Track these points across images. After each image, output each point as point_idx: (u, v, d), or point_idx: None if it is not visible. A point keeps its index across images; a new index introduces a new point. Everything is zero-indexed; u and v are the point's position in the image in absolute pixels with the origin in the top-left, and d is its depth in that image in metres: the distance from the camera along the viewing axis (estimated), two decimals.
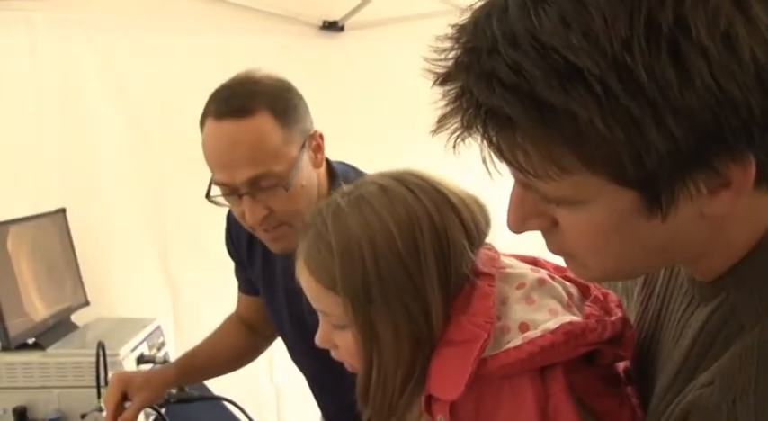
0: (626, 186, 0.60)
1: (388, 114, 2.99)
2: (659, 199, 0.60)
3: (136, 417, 1.58)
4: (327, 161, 1.43)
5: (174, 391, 1.88)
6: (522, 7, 0.57)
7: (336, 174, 1.42)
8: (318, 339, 0.98)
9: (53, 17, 2.53)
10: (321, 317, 0.97)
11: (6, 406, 1.97)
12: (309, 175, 1.34)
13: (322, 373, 1.57)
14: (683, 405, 0.70)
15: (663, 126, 0.55)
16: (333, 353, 0.99)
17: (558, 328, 0.83)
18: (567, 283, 0.94)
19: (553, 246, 0.74)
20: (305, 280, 0.94)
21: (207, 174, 2.81)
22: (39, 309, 2.15)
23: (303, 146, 1.33)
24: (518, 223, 0.72)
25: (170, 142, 2.76)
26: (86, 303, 2.45)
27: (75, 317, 2.38)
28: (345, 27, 3.06)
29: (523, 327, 0.86)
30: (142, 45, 2.70)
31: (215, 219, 2.84)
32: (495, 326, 0.85)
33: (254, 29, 2.86)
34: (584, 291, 0.95)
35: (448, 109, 0.63)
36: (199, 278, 2.80)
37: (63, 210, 2.45)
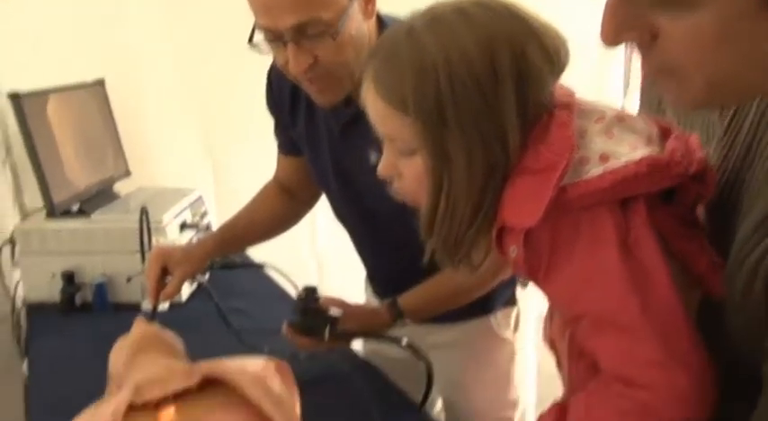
0: None
1: None
2: None
3: (178, 290, 1.61)
4: (377, 13, 1.36)
5: (216, 259, 1.91)
6: None
7: (387, 26, 1.34)
8: (382, 168, 0.96)
9: None
10: (386, 144, 0.94)
11: (55, 270, 2.02)
12: (359, 25, 1.27)
13: (367, 229, 1.56)
14: None
15: None
16: (395, 186, 0.96)
17: (642, 159, 0.81)
18: (646, 124, 0.90)
19: (652, 62, 0.69)
20: (371, 102, 0.91)
21: (245, 48, 2.75)
22: (81, 177, 2.17)
23: None
24: (612, 34, 0.66)
25: (209, 10, 2.69)
26: (128, 173, 2.48)
27: (117, 188, 2.40)
28: None
29: (604, 158, 0.83)
30: None
31: (255, 89, 2.82)
32: (574, 156, 0.82)
33: None
34: (665, 132, 0.90)
35: None
36: (238, 148, 2.80)
37: (101, 82, 2.43)
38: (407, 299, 1.45)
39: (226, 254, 1.80)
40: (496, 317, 1.61)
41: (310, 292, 1.44)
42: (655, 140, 0.87)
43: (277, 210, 1.74)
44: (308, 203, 1.78)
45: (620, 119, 0.88)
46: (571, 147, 0.83)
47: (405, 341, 1.41)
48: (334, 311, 1.42)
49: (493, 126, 0.85)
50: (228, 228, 1.72)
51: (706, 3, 0.60)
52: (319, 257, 3.06)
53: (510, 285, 1.57)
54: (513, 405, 1.65)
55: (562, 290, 0.88)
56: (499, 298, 1.59)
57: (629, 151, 0.83)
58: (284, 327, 1.45)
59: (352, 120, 1.37)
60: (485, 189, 0.87)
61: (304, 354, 1.54)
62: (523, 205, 0.84)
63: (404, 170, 0.93)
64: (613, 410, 0.84)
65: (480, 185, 0.87)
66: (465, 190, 0.87)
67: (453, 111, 0.84)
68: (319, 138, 1.50)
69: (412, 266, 1.36)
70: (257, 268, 2.11)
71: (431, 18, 0.87)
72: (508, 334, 1.62)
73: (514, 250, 0.87)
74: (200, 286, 2.06)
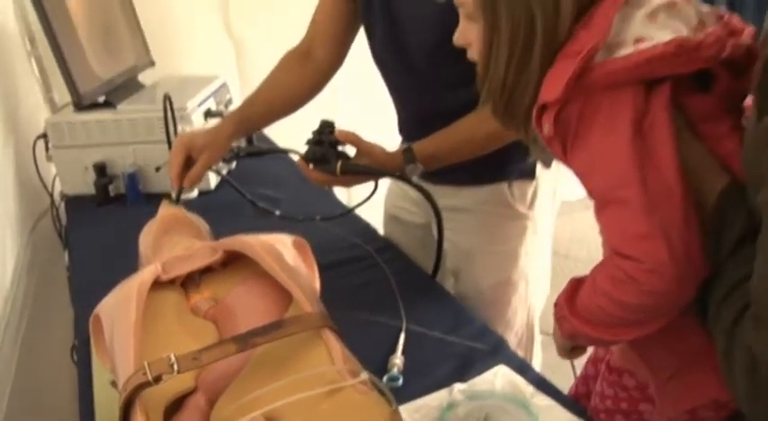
0: None
1: None
2: None
3: (201, 177, 1.62)
4: None
5: (242, 145, 1.91)
6: None
7: None
8: (456, 36, 1.04)
9: None
10: (461, 13, 1.02)
11: (87, 162, 2.07)
12: None
13: (404, 69, 1.56)
14: None
15: None
16: (468, 53, 1.03)
17: (671, 41, 0.82)
18: (705, 11, 0.89)
19: None
20: None
21: None
22: (105, 68, 2.16)
23: None
24: None
25: None
26: (151, 63, 2.47)
27: (142, 77, 2.40)
28: None
29: (639, 41, 0.84)
30: None
31: None
32: (608, 38, 0.85)
33: None
34: (719, 19, 0.90)
35: None
36: (261, 35, 2.77)
37: None
38: (422, 144, 1.49)
39: (249, 133, 1.80)
40: (512, 188, 1.60)
41: (326, 126, 1.46)
42: (703, 27, 0.87)
43: (296, 80, 1.71)
44: (328, 70, 1.73)
45: (672, 5, 0.88)
46: (605, 30, 0.85)
47: (414, 178, 1.46)
48: (348, 148, 1.45)
49: (540, 1, 0.88)
50: (247, 106, 1.71)
51: None
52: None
53: (528, 157, 1.54)
54: (515, 283, 1.67)
55: (582, 165, 0.93)
56: (516, 167, 1.59)
57: (666, 35, 0.84)
58: (298, 159, 1.49)
59: None
60: (525, 63, 0.91)
61: (319, 215, 1.60)
62: (554, 82, 0.87)
63: (470, 36, 1.00)
64: (608, 279, 0.91)
65: (521, 58, 0.91)
66: (505, 60, 0.92)
67: None
68: None
69: (442, 110, 1.47)
70: (284, 154, 2.13)
71: None
72: (522, 208, 1.62)
73: (547, 127, 0.90)
74: (229, 173, 2.09)
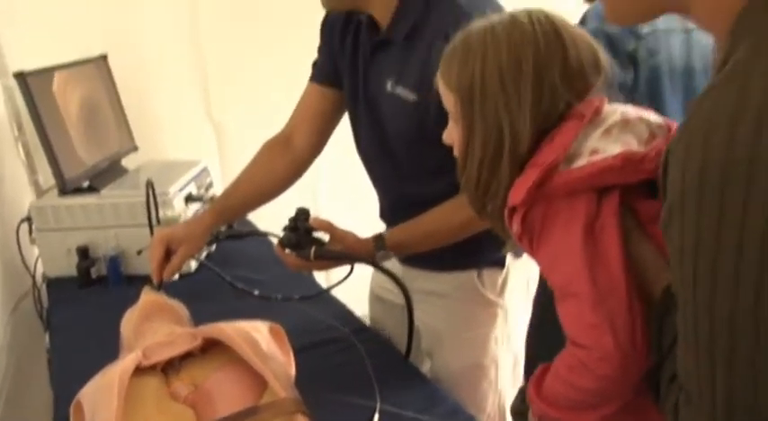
0: None
1: None
2: None
3: (180, 267, 1.69)
4: None
5: (222, 228, 1.97)
6: None
7: None
8: (444, 135, 1.14)
9: None
10: (450, 117, 1.12)
11: (70, 245, 2.11)
12: None
13: (383, 157, 1.66)
14: None
15: None
16: (454, 150, 1.13)
17: (618, 154, 0.94)
18: (656, 125, 1.02)
19: None
20: (438, 79, 1.11)
21: (245, 18, 2.79)
22: (90, 153, 2.23)
23: None
24: None
25: None
26: (134, 148, 2.54)
27: (125, 162, 2.47)
28: None
29: (593, 153, 0.97)
30: None
31: (256, 62, 2.88)
32: (568, 153, 0.97)
33: None
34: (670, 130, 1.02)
35: None
36: (241, 119, 2.86)
37: (104, 57, 2.48)
38: (393, 231, 1.60)
39: (229, 222, 1.87)
40: (482, 276, 1.67)
41: (301, 213, 1.55)
42: (653, 139, 1.00)
43: (275, 169, 1.79)
44: (307, 158, 1.82)
45: (626, 122, 1.01)
46: (565, 147, 0.97)
47: (393, 261, 1.56)
48: (322, 234, 1.54)
49: (508, 114, 1.01)
50: (227, 196, 1.79)
51: None
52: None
53: (499, 248, 1.61)
54: (486, 368, 1.72)
55: (545, 261, 1.03)
56: (486, 256, 1.65)
57: (617, 148, 0.96)
58: (276, 245, 1.57)
59: (377, 46, 1.56)
60: (496, 167, 1.03)
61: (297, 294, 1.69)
62: (519, 188, 0.99)
63: (454, 136, 1.11)
64: (566, 367, 1.00)
65: (492, 161, 1.03)
66: (478, 160, 1.05)
67: (480, 92, 1.02)
68: (357, 57, 1.63)
69: (420, 198, 1.57)
70: (262, 237, 2.19)
71: (485, 25, 1.05)
72: (493, 295, 1.68)
73: (516, 226, 1.02)
74: (208, 256, 2.14)
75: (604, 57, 1.05)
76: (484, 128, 1.03)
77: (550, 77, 1.00)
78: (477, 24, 1.07)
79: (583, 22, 2.10)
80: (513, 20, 1.04)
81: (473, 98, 1.03)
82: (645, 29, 2.24)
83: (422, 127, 1.51)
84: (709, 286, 0.68)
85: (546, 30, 1.02)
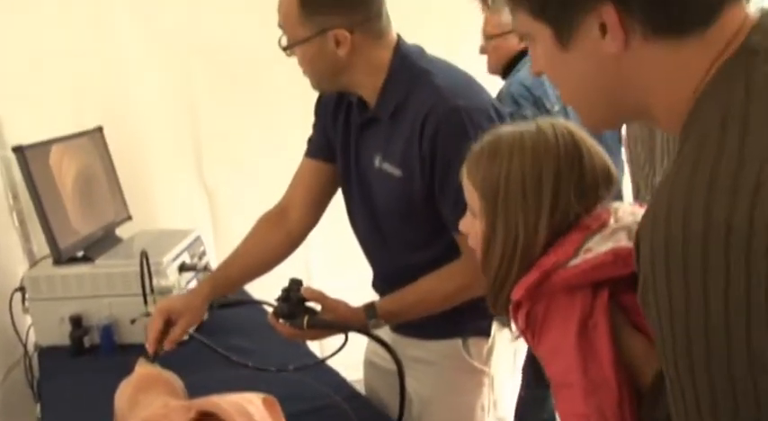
0: (542, 21, 0.86)
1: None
2: (562, 31, 0.84)
3: (181, 337, 1.73)
4: (398, 41, 1.61)
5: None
6: None
7: (400, 53, 1.60)
8: (462, 225, 1.24)
9: None
10: (468, 210, 1.22)
11: (63, 314, 2.12)
12: (320, 55, 1.55)
13: (373, 228, 1.73)
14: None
15: None
16: (469, 239, 1.23)
17: (608, 251, 1.05)
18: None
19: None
20: (463, 179, 1.21)
21: (237, 86, 2.88)
22: (84, 223, 2.27)
23: (318, 34, 1.52)
24: (531, 66, 0.97)
25: (202, 59, 2.82)
26: (129, 217, 2.57)
27: (120, 231, 2.50)
28: None
29: (587, 251, 1.07)
30: None
31: (248, 132, 2.95)
32: (569, 257, 1.07)
33: None
34: None
35: None
36: (234, 189, 2.91)
37: (100, 129, 2.54)
38: (384, 301, 1.66)
39: (226, 294, 1.91)
40: (467, 344, 1.72)
41: (294, 283, 1.59)
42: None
43: (271, 242, 1.85)
44: (302, 231, 1.88)
45: (622, 228, 1.10)
46: (568, 254, 1.07)
47: (384, 329, 1.61)
48: (315, 304, 1.59)
49: (527, 218, 1.10)
50: (223, 270, 1.85)
51: (534, 34, 0.89)
52: None
53: (484, 317, 1.67)
54: None
55: (544, 353, 1.11)
56: (471, 325, 1.71)
57: (608, 245, 1.06)
58: (269, 315, 1.61)
59: (365, 123, 1.65)
60: (510, 265, 1.12)
61: (292, 365, 1.77)
62: (522, 285, 1.09)
63: (471, 229, 1.20)
64: None
65: (509, 260, 1.12)
66: (498, 258, 1.13)
67: (504, 195, 1.12)
68: (349, 134, 1.71)
69: (408, 268, 1.64)
70: (256, 305, 2.21)
71: (513, 131, 1.16)
72: (479, 363, 1.73)
73: (521, 321, 1.11)
74: (201, 325, 2.15)
75: (615, 170, 1.16)
76: (505, 229, 1.12)
77: (566, 192, 1.10)
78: (507, 129, 1.17)
79: (499, 100, 2.19)
80: (539, 130, 1.13)
81: (496, 200, 1.12)
82: (556, 107, 2.46)
83: (408, 201, 1.59)
84: (686, 349, 0.74)
85: (567, 143, 1.12)
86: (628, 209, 1.16)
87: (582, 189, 1.11)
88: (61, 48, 2.60)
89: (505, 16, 2.63)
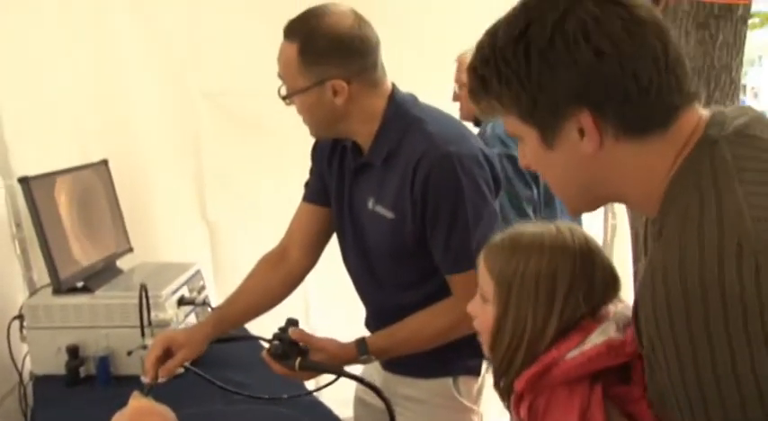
0: (529, 124, 0.98)
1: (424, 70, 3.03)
2: (547, 134, 0.97)
3: (176, 368, 1.76)
4: (393, 90, 1.68)
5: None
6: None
7: (394, 101, 1.66)
8: (470, 307, 1.29)
9: None
10: (478, 292, 1.27)
11: (60, 344, 2.13)
12: (318, 104, 1.61)
13: (366, 268, 1.78)
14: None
15: (532, 98, 0.95)
16: (474, 322, 1.28)
17: (603, 342, 1.11)
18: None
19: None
20: (480, 267, 1.25)
21: (240, 124, 2.92)
22: (86, 255, 2.29)
23: (317, 84, 1.58)
24: (520, 161, 1.08)
25: (206, 93, 2.88)
26: (130, 249, 2.60)
27: (120, 263, 2.52)
28: None
29: (583, 345, 1.13)
30: None
31: (249, 168, 2.98)
32: (564, 355, 1.13)
33: None
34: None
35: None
36: (236, 224, 2.95)
37: (105, 162, 2.57)
38: (374, 337, 1.70)
39: (226, 332, 1.94)
40: (457, 383, 1.75)
41: (289, 324, 1.63)
42: (627, 327, 1.15)
43: (271, 283, 1.91)
44: (302, 271, 1.93)
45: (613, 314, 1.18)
46: (568, 349, 1.13)
47: (377, 365, 1.66)
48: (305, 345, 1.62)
49: (534, 319, 1.16)
50: (225, 308, 1.89)
51: (523, 135, 1.00)
52: (313, 331, 3.13)
53: (474, 355, 1.68)
54: None
55: None
56: (461, 364, 1.74)
57: (602, 338, 1.13)
58: (263, 353, 1.65)
59: (359, 168, 1.71)
60: (516, 353, 1.17)
61: (286, 394, 1.81)
62: (523, 378, 1.14)
63: (480, 313, 1.25)
64: None
65: (515, 349, 1.17)
66: (505, 346, 1.18)
67: (517, 292, 1.17)
68: (343, 177, 1.78)
69: (399, 307, 1.68)
70: (253, 340, 2.22)
71: (534, 230, 1.22)
72: (469, 402, 1.76)
73: (523, 411, 1.16)
74: (197, 359, 2.16)
75: (620, 280, 1.22)
76: (514, 321, 1.17)
77: (577, 295, 1.15)
78: (528, 227, 1.23)
79: (485, 142, 2.24)
80: (559, 233, 1.20)
81: (510, 292, 1.18)
82: None
83: (400, 242, 1.64)
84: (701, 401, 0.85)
85: (583, 249, 1.18)
86: (618, 304, 1.22)
87: (591, 294, 1.17)
88: (69, 83, 2.65)
89: None
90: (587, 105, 0.92)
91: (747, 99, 11.25)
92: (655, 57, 0.91)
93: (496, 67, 0.96)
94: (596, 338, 1.13)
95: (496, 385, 1.23)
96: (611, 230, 3.50)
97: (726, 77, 5.70)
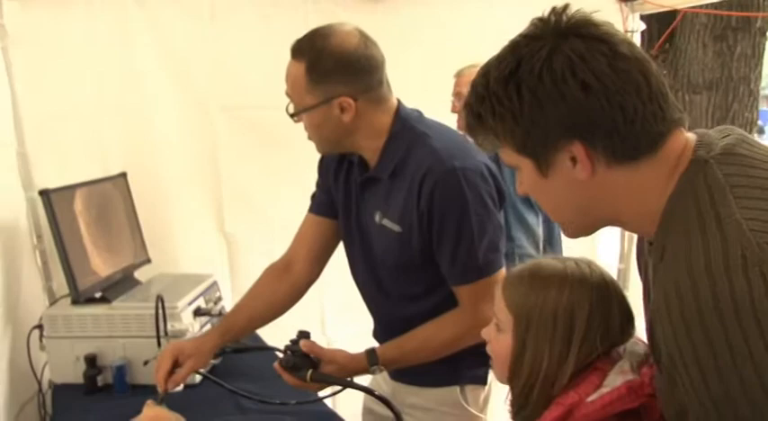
0: (524, 156, 1.03)
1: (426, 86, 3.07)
2: (541, 163, 1.02)
3: (185, 378, 1.82)
4: (398, 106, 1.72)
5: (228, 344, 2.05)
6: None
7: (399, 117, 1.70)
8: (485, 333, 1.31)
9: None
10: (494, 320, 1.29)
11: (79, 353, 2.17)
12: (326, 121, 1.65)
13: (374, 280, 1.82)
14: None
15: (525, 132, 1.00)
16: (487, 346, 1.30)
17: (622, 384, 1.14)
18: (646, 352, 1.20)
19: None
20: (497, 296, 1.27)
21: (258, 137, 2.96)
22: (104, 266, 2.33)
23: (324, 102, 1.62)
24: (517, 188, 1.11)
25: (223, 107, 2.92)
26: (148, 260, 2.64)
27: (138, 274, 2.56)
28: None
29: (602, 387, 1.15)
30: (192, 14, 2.85)
31: (266, 181, 3.02)
32: (588, 394, 1.15)
33: None
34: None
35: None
36: (253, 235, 2.97)
37: (124, 175, 2.62)
38: (384, 347, 1.73)
39: (233, 342, 1.98)
40: (464, 391, 1.78)
41: (301, 336, 1.67)
42: (642, 366, 1.18)
43: (275, 293, 1.94)
44: (305, 283, 1.97)
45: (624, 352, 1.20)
46: (588, 392, 1.14)
47: (385, 375, 1.69)
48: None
49: (549, 359, 1.18)
50: (231, 318, 1.93)
51: (520, 165, 1.05)
52: (329, 342, 3.15)
53: (480, 364, 1.73)
54: None
55: None
56: (468, 373, 1.77)
57: (619, 380, 1.15)
58: (276, 364, 1.68)
59: (366, 182, 1.75)
60: (531, 390, 1.19)
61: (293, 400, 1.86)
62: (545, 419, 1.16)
63: (494, 340, 1.28)
64: None
65: (531, 386, 1.19)
66: (524, 380, 1.20)
67: (536, 323, 1.19)
68: (350, 192, 1.81)
69: (406, 318, 1.72)
70: (269, 351, 2.26)
71: (556, 264, 1.24)
72: (475, 410, 1.79)
73: None
74: (213, 369, 2.20)
75: (634, 319, 1.23)
76: (533, 357, 1.19)
77: (593, 336, 1.17)
78: (550, 261, 1.25)
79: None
80: (578, 269, 1.22)
81: (529, 327, 1.20)
82: None
83: (408, 255, 1.67)
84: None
85: (602, 286, 1.20)
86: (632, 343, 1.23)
87: (607, 333, 1.19)
88: (90, 98, 2.71)
89: None
90: (577, 137, 0.98)
91: None
92: (638, 89, 0.97)
93: (491, 104, 1.02)
94: (615, 380, 1.15)
95: (514, 417, 1.25)
96: (627, 241, 3.50)
97: (744, 89, 5.71)
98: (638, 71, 0.98)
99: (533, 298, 1.20)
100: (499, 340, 1.25)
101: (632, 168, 1.00)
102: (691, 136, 1.03)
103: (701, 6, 3.52)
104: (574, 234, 1.13)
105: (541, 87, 0.97)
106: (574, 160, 1.00)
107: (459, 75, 2.98)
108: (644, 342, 1.20)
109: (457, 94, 2.98)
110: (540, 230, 2.87)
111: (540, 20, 1.01)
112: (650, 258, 1.06)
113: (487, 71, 1.03)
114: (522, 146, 1.03)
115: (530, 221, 2.81)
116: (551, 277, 1.21)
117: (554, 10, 1.01)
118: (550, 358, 1.17)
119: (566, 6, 1.01)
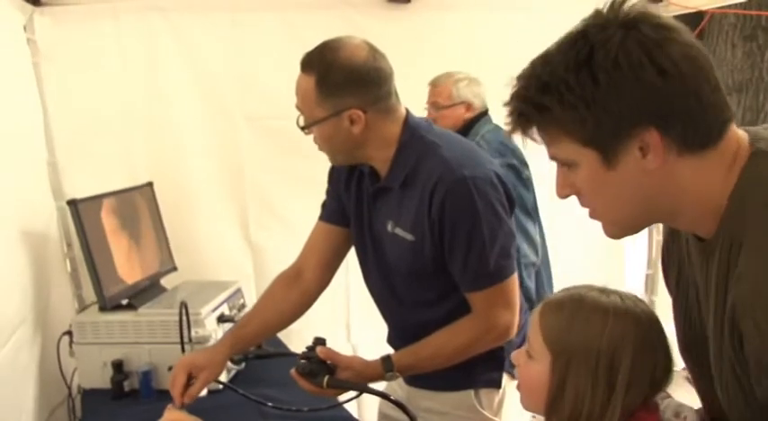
0: (590, 147, 0.99)
1: None
2: (609, 154, 0.99)
3: (200, 392, 1.81)
4: (407, 116, 1.72)
5: (252, 348, 2.08)
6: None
7: (409, 126, 1.71)
8: (514, 355, 1.25)
9: (135, 6, 2.77)
10: (526, 346, 1.23)
11: (106, 359, 2.22)
12: (336, 133, 1.67)
13: (387, 288, 1.83)
14: (728, 309, 0.97)
15: (597, 120, 0.97)
16: (517, 371, 1.25)
17: None
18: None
19: (586, 209, 1.08)
20: (532, 322, 1.21)
21: (282, 146, 3.00)
22: (131, 273, 2.39)
23: (335, 115, 1.63)
24: (558, 190, 1.08)
25: (247, 117, 2.97)
26: (174, 268, 2.69)
27: (164, 281, 2.62)
28: None
29: None
30: (217, 24, 2.92)
31: (291, 189, 3.06)
32: None
33: (320, 3, 3.02)
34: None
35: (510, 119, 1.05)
36: (277, 243, 3.01)
37: (150, 184, 2.68)
38: (399, 354, 1.74)
39: (244, 351, 2.00)
40: (479, 395, 1.79)
41: (317, 343, 1.68)
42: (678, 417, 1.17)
43: (285, 302, 1.95)
44: (315, 291, 1.97)
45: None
46: None
47: (401, 380, 1.71)
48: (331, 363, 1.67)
49: (591, 400, 1.11)
50: (242, 327, 1.94)
51: (580, 160, 1.01)
52: (354, 349, 3.18)
53: (495, 368, 1.76)
54: None
55: None
56: (483, 377, 1.78)
57: None
58: (293, 370, 1.69)
59: (377, 192, 1.76)
60: None
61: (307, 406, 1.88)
62: None
63: (524, 367, 1.22)
64: None
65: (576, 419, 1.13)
66: (568, 414, 1.13)
67: (575, 365, 1.13)
68: (362, 201, 1.83)
69: (420, 325, 1.73)
70: (290, 358, 2.28)
71: (599, 299, 1.17)
72: (490, 413, 1.80)
73: None
74: (237, 374, 2.24)
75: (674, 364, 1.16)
76: (574, 395, 1.12)
77: (642, 375, 1.12)
78: (594, 294, 1.18)
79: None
80: (623, 299, 1.16)
81: (569, 364, 1.13)
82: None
83: (419, 263, 1.69)
84: None
85: (651, 321, 1.15)
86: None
87: (655, 374, 1.13)
88: (119, 110, 2.78)
89: (457, 90, 2.87)
90: (653, 123, 0.96)
91: None
92: (707, 77, 0.97)
93: (558, 93, 0.98)
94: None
95: None
96: (655, 248, 3.48)
97: None
98: (705, 59, 0.97)
99: (571, 336, 1.13)
100: (530, 367, 1.19)
101: (700, 158, 0.98)
102: (740, 130, 1.02)
103: (728, 6, 3.48)
104: (620, 233, 1.09)
105: (618, 73, 0.95)
106: (642, 150, 0.98)
107: (434, 84, 2.92)
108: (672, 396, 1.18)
109: (432, 104, 2.92)
110: (538, 238, 2.86)
111: (603, 10, 0.99)
112: (700, 257, 1.05)
113: (548, 60, 1.00)
114: (590, 136, 0.99)
115: (529, 230, 2.80)
116: (591, 316, 1.14)
117: (614, 3, 0.99)
118: (593, 399, 1.10)
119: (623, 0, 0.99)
